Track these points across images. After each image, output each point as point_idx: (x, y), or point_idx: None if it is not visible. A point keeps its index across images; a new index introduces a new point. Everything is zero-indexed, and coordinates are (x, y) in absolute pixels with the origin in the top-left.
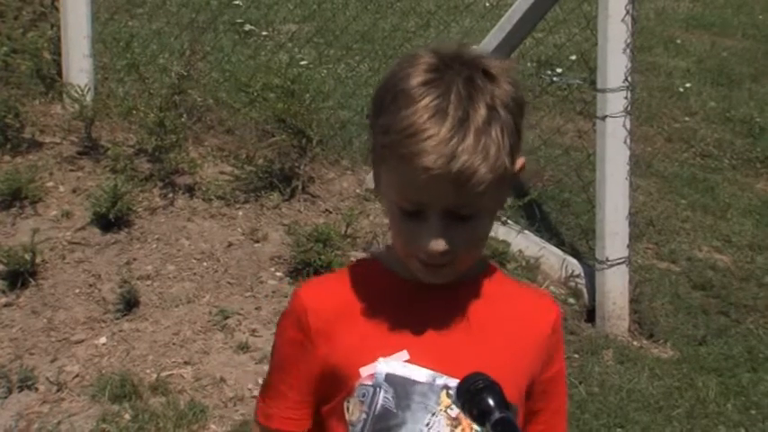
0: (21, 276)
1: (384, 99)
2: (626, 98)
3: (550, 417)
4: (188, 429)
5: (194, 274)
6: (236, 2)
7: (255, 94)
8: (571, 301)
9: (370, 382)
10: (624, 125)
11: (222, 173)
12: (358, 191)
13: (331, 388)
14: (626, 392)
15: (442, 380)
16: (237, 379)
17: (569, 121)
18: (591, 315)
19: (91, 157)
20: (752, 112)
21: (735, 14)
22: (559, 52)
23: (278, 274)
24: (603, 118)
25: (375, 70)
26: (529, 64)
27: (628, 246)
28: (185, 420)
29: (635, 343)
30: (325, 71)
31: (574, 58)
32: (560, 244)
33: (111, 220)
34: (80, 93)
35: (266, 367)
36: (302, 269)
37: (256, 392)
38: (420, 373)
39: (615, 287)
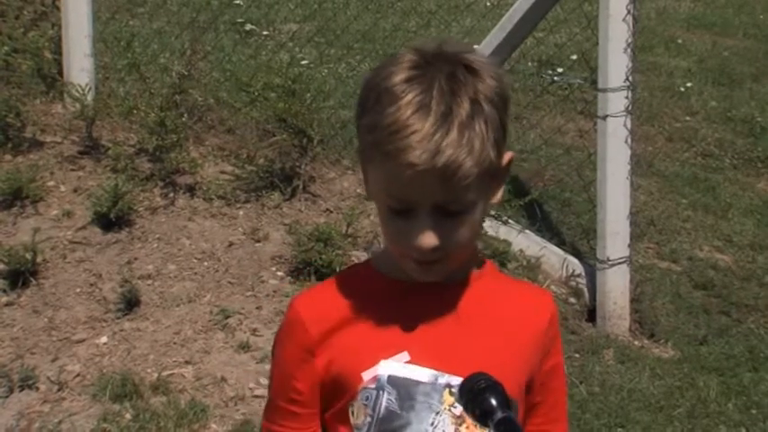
0: (22, 276)
1: (368, 98)
2: (627, 98)
3: (550, 409)
4: (189, 429)
5: (195, 273)
6: (237, 1)
7: (256, 93)
8: (572, 300)
9: (372, 386)
10: (625, 125)
11: (223, 172)
12: (359, 190)
13: (334, 394)
14: (627, 392)
15: (443, 378)
16: (238, 378)
17: (570, 120)
18: (592, 315)
19: (92, 157)
20: (753, 112)
21: (736, 14)
22: (560, 52)
23: (279, 273)
24: (604, 117)
25: None
26: (530, 63)
27: (629, 245)
28: (186, 420)
29: (636, 342)
30: (325, 71)
31: (575, 57)
32: (561, 243)
33: (111, 220)
34: (81, 92)
35: (267, 366)
36: (303, 269)
37: (257, 392)
38: (422, 373)
39: (616, 287)
